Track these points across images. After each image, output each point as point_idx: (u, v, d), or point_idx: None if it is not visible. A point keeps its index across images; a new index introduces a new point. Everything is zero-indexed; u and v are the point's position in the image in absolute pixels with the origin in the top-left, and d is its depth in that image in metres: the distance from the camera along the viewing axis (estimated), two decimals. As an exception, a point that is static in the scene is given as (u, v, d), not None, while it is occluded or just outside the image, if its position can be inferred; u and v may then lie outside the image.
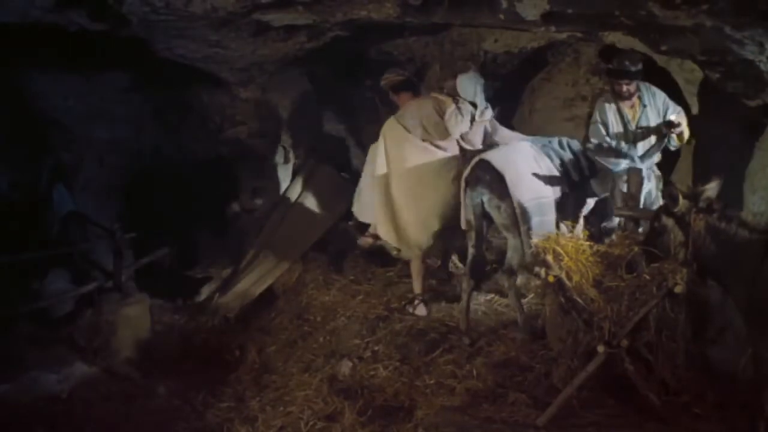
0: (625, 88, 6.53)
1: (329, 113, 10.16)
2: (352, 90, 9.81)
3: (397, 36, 8.41)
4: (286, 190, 9.20)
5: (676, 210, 4.24)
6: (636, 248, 4.86)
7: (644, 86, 6.76)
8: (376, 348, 6.35)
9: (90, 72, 8.64)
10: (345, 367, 6.17)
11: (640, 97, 6.71)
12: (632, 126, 6.69)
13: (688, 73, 7.48)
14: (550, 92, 8.95)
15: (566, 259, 5.09)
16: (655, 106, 6.71)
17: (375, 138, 7.35)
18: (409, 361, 6.03)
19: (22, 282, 8.44)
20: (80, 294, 8.40)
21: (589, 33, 6.94)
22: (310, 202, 8.84)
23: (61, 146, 9.54)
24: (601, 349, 4.64)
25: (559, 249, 5.14)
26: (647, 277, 4.68)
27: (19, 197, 9.58)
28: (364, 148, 8.81)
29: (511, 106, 9.25)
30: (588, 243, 5.26)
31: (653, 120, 6.67)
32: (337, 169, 9.52)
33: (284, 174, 9.62)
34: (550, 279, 5.06)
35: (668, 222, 4.36)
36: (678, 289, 4.50)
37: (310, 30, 7.42)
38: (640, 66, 6.48)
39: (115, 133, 9.56)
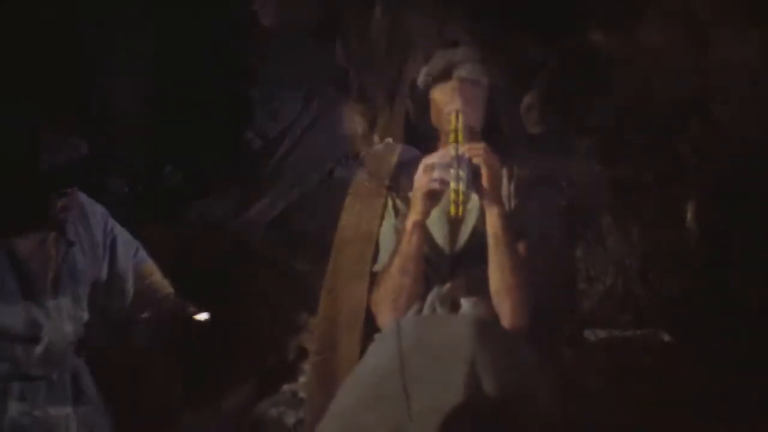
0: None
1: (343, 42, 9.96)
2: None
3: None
4: (299, 115, 9.09)
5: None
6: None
7: (89, 208, 4.19)
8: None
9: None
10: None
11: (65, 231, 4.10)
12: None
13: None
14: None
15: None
16: (91, 251, 4.09)
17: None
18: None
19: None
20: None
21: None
22: (325, 129, 8.77)
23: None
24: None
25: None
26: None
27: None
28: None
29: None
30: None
31: (82, 277, 4.03)
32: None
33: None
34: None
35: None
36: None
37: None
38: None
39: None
